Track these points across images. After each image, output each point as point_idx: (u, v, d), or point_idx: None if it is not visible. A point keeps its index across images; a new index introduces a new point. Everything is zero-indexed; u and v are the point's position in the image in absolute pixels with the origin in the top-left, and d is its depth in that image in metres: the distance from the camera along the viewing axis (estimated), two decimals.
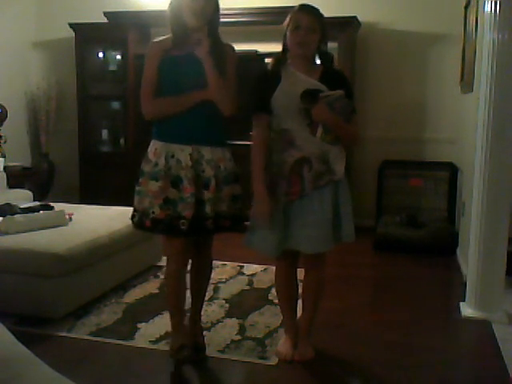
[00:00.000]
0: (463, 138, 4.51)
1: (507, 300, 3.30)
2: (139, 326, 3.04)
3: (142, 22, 5.34)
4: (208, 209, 2.42)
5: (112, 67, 5.65)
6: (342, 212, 2.49)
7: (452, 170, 4.92)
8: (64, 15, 5.72)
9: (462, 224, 4.29)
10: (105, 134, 5.69)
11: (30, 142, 6.02)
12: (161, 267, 3.87)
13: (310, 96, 2.37)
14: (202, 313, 2.79)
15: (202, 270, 2.70)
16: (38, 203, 4.04)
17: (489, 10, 3.10)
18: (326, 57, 2.53)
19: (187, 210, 2.38)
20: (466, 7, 4.60)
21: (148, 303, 3.38)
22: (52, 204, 3.90)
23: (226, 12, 4.72)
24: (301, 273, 2.69)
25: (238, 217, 2.56)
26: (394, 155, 5.21)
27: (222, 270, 4.00)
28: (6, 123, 5.32)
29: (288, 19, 2.43)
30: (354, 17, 4.86)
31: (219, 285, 3.69)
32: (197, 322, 2.73)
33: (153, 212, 2.40)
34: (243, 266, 4.09)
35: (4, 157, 5.10)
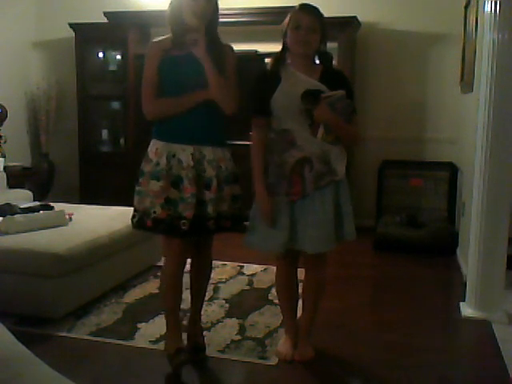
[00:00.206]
0: (463, 138, 4.51)
1: (507, 300, 3.30)
2: (139, 325, 3.04)
3: (141, 22, 5.34)
4: (210, 209, 2.42)
5: (112, 67, 5.65)
6: (344, 212, 2.49)
7: (452, 170, 4.92)
8: (64, 15, 5.72)
9: (462, 224, 4.29)
10: (105, 134, 5.69)
11: (29, 142, 6.02)
12: (161, 267, 3.86)
13: (310, 96, 2.36)
14: (202, 313, 2.79)
15: (202, 270, 2.70)
16: (37, 203, 4.04)
17: (489, 9, 3.10)
18: (326, 57, 2.53)
19: (188, 211, 2.38)
20: (466, 7, 4.60)
21: (148, 303, 3.38)
22: (52, 204, 3.90)
23: (225, 12, 4.73)
24: (301, 273, 2.69)
25: (238, 217, 2.56)
26: (394, 155, 5.21)
27: (221, 269, 4.00)
28: (5, 123, 5.32)
29: (288, 18, 2.43)
30: (354, 17, 4.86)
31: (219, 285, 3.69)
32: (197, 321, 2.73)
33: (154, 212, 2.40)
34: (243, 266, 4.09)
35: (4, 157, 5.10)
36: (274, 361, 2.66)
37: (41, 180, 5.73)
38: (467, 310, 3.27)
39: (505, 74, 3.05)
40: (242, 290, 3.62)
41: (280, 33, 2.47)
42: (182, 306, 2.66)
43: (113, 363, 2.68)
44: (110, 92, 5.65)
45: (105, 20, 5.49)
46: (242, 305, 3.37)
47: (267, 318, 3.16)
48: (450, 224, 4.81)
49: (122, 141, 5.62)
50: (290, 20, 2.42)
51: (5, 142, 5.22)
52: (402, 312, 3.33)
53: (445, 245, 4.51)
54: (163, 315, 2.70)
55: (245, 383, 2.59)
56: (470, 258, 3.31)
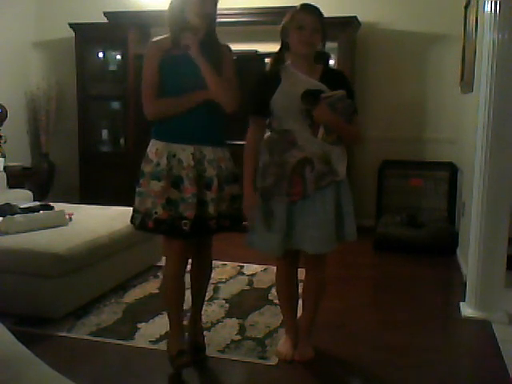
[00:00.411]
0: (463, 138, 4.51)
1: (507, 300, 3.30)
2: (139, 325, 3.04)
3: (142, 22, 5.34)
4: (211, 209, 2.42)
5: (112, 67, 5.65)
6: (345, 212, 2.49)
7: (452, 170, 4.93)
8: (64, 15, 5.72)
9: (462, 224, 4.29)
10: (105, 133, 5.69)
11: (30, 142, 6.02)
12: (161, 267, 3.87)
13: (311, 96, 2.36)
14: (202, 313, 2.79)
15: (202, 270, 2.70)
16: (38, 203, 4.05)
17: (489, 9, 3.10)
18: (323, 56, 2.52)
19: (189, 211, 2.38)
20: (466, 7, 4.61)
21: (148, 303, 3.38)
22: (52, 204, 3.90)
23: (226, 12, 4.74)
24: (301, 273, 2.69)
25: (237, 216, 2.56)
26: (394, 155, 5.21)
27: (222, 269, 4.00)
28: (5, 123, 5.32)
29: (289, 18, 2.41)
30: (354, 17, 4.86)
31: (219, 285, 3.69)
32: (197, 321, 2.73)
33: (155, 212, 2.39)
34: (243, 266, 4.09)
35: (4, 157, 5.10)
36: (274, 361, 2.66)
37: (41, 180, 5.73)
38: (467, 309, 3.27)
39: (505, 74, 3.05)
40: (242, 290, 3.62)
41: (279, 32, 2.46)
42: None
43: (113, 363, 2.68)
44: (109, 92, 5.64)
45: (105, 20, 5.49)
46: (242, 305, 3.37)
47: (267, 318, 3.16)
48: (450, 224, 4.81)
49: (122, 141, 5.62)
50: (291, 20, 2.40)
51: (5, 142, 5.22)
52: (402, 312, 3.33)
53: (445, 245, 4.51)
54: (164, 315, 2.71)
55: (245, 383, 2.59)
56: (470, 258, 3.31)
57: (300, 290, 2.76)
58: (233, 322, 3.10)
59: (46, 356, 1.88)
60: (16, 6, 5.78)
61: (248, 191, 2.48)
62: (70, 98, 5.78)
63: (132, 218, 2.52)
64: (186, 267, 2.56)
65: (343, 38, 4.82)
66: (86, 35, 5.49)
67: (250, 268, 4.05)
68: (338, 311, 3.30)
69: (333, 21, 3.77)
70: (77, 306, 3.21)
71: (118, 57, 5.60)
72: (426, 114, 5.23)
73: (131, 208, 2.53)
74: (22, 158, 5.71)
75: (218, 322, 3.10)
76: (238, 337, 2.91)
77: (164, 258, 2.59)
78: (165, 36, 2.46)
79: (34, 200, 4.61)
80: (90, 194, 5.42)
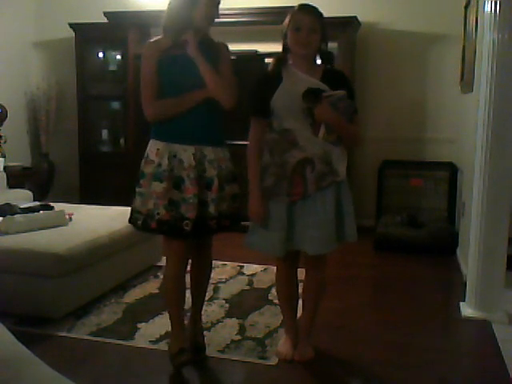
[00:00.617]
0: (463, 137, 4.51)
1: (507, 300, 3.30)
2: (139, 325, 3.04)
3: (142, 22, 5.34)
4: (212, 209, 2.42)
5: (112, 67, 5.66)
6: (345, 212, 2.49)
7: (452, 170, 4.93)
8: (64, 15, 5.72)
9: (462, 224, 4.29)
10: (105, 133, 5.69)
11: (30, 142, 6.02)
12: (161, 267, 3.87)
13: (312, 95, 2.36)
14: (202, 313, 2.79)
15: (202, 270, 2.70)
16: (37, 203, 4.04)
17: (489, 9, 3.10)
18: (328, 56, 2.53)
19: (190, 211, 2.38)
20: (466, 7, 4.61)
21: (148, 303, 3.38)
22: (52, 204, 3.90)
23: (226, 12, 4.73)
24: (301, 273, 2.69)
25: (237, 216, 2.57)
26: (393, 155, 5.21)
27: (222, 269, 4.00)
28: (6, 123, 5.32)
29: (288, 19, 2.42)
30: (354, 17, 4.86)
31: (219, 285, 3.69)
32: (197, 321, 2.73)
33: (158, 213, 2.39)
34: (243, 266, 4.09)
35: (4, 157, 5.10)
36: (274, 361, 2.66)
37: (41, 180, 5.73)
38: (467, 309, 3.27)
39: (505, 74, 3.05)
40: (242, 290, 3.62)
41: (280, 33, 2.47)
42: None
43: (113, 363, 2.68)
44: (109, 92, 5.64)
45: (105, 20, 5.49)
46: (242, 305, 3.37)
47: (267, 318, 3.16)
48: (450, 224, 4.81)
49: (122, 141, 5.62)
50: (290, 21, 2.41)
51: (5, 142, 5.22)
52: (402, 312, 3.33)
53: (445, 245, 4.51)
54: (164, 315, 2.71)
55: (245, 383, 2.59)
56: (470, 258, 3.31)
57: (300, 290, 2.76)
58: (233, 322, 3.10)
59: (46, 356, 1.89)
60: (16, 5, 5.78)
61: (255, 195, 2.47)
62: (70, 97, 5.78)
63: (131, 218, 2.52)
64: (186, 267, 2.57)
65: (343, 38, 4.81)
66: (86, 35, 5.49)
67: (250, 268, 4.05)
68: (338, 311, 3.30)
69: (333, 21, 3.77)
70: (77, 306, 3.21)
71: (118, 57, 5.61)
72: (426, 113, 5.23)
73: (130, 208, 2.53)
74: (22, 158, 5.71)
75: (218, 321, 3.10)
76: (238, 337, 2.91)
77: (164, 258, 2.59)
78: (161, 36, 2.46)
79: (34, 200, 4.61)
80: (90, 194, 5.42)
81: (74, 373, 2.27)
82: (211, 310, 3.25)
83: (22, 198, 4.48)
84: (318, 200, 2.44)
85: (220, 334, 2.95)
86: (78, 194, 5.58)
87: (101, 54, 5.69)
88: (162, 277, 2.75)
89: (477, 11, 3.87)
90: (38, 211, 3.61)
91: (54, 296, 3.06)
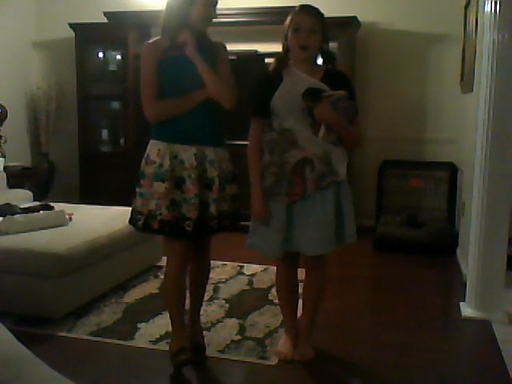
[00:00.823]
0: (463, 137, 4.51)
1: (507, 300, 3.30)
2: (139, 326, 3.04)
3: (141, 22, 5.34)
4: (213, 209, 2.42)
5: (112, 67, 5.65)
6: (345, 212, 2.49)
7: (452, 170, 4.93)
8: (64, 15, 5.72)
9: (462, 224, 4.29)
10: (105, 133, 5.69)
11: (30, 142, 6.02)
12: (161, 267, 3.87)
13: (312, 95, 2.36)
14: (202, 313, 2.79)
15: (200, 270, 2.69)
16: (37, 203, 4.05)
17: (489, 9, 3.10)
18: (329, 56, 2.53)
19: (192, 212, 2.38)
20: (466, 7, 4.60)
21: (148, 303, 3.38)
22: (52, 204, 3.90)
23: (226, 12, 4.73)
24: (301, 273, 2.69)
25: (237, 216, 2.57)
26: (394, 155, 5.21)
27: (222, 269, 4.00)
28: (6, 123, 5.32)
29: (289, 20, 2.42)
30: (354, 17, 4.86)
31: (219, 285, 3.69)
32: (196, 321, 2.73)
33: (160, 214, 2.39)
34: (243, 266, 4.09)
35: (4, 157, 5.09)
36: (274, 361, 2.66)
37: (41, 180, 5.72)
38: (467, 309, 3.27)
39: (505, 74, 3.05)
40: (242, 290, 3.62)
41: (281, 33, 2.47)
42: None
43: (113, 363, 2.68)
44: (109, 92, 5.64)
45: (105, 20, 5.49)
46: (242, 305, 3.37)
47: (267, 318, 3.16)
48: (450, 224, 4.81)
49: (122, 141, 5.62)
50: (290, 22, 2.41)
51: (5, 142, 5.22)
52: (402, 312, 3.33)
53: (445, 245, 4.50)
54: (164, 315, 2.70)
55: (245, 383, 2.59)
56: (470, 258, 3.31)
57: (300, 290, 2.76)
58: (233, 322, 3.10)
59: (46, 356, 1.89)
60: (16, 5, 5.78)
61: (257, 194, 2.47)
62: (69, 97, 5.78)
63: (131, 218, 2.51)
64: (187, 267, 2.57)
65: (343, 38, 4.81)
66: (86, 35, 5.49)
67: (250, 268, 4.05)
68: (337, 311, 3.30)
69: (333, 21, 3.76)
70: (77, 305, 3.21)
71: (118, 57, 5.60)
72: (426, 113, 5.23)
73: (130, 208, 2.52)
74: (22, 158, 5.71)
75: (218, 321, 3.10)
76: (238, 337, 2.91)
77: (164, 258, 2.59)
78: (159, 37, 2.46)
79: (34, 200, 4.61)
80: (90, 194, 5.42)
81: (74, 373, 2.27)
82: (211, 310, 3.25)
83: (22, 197, 4.48)
84: (318, 200, 2.44)
85: (220, 334, 2.95)
86: (78, 194, 5.58)
87: (101, 54, 5.68)
88: (162, 277, 2.76)
89: (477, 11, 3.87)
90: (38, 211, 3.61)
91: (54, 296, 3.06)
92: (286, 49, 2.47)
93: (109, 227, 3.53)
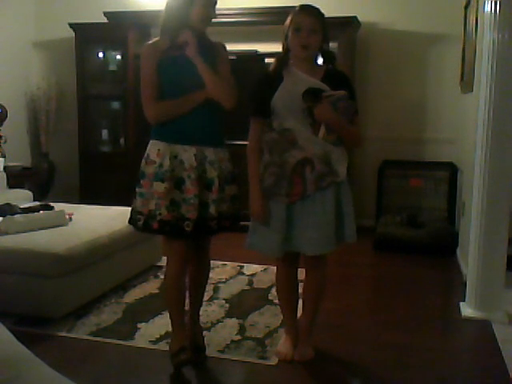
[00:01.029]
0: (463, 137, 4.51)
1: (507, 300, 3.30)
2: (139, 326, 3.04)
3: (141, 22, 5.34)
4: (212, 209, 2.42)
5: (112, 67, 5.65)
6: (345, 213, 2.49)
7: (452, 170, 4.93)
8: (64, 15, 5.72)
9: (462, 224, 4.29)
10: (105, 133, 5.69)
11: (30, 142, 6.02)
12: (161, 267, 3.87)
13: (312, 95, 2.36)
14: (202, 313, 2.79)
15: (200, 271, 2.69)
16: (37, 203, 4.05)
17: (489, 9, 3.10)
18: (330, 56, 2.53)
19: (191, 212, 2.38)
20: (466, 7, 4.61)
21: (148, 303, 3.38)
22: (52, 204, 3.90)
23: (225, 12, 4.73)
24: (301, 273, 2.69)
25: (237, 216, 2.57)
26: (394, 155, 5.21)
27: (222, 269, 4.00)
28: (6, 123, 5.32)
29: (289, 20, 2.42)
30: (354, 17, 4.86)
31: (219, 285, 3.69)
32: (196, 322, 2.73)
33: (159, 214, 2.39)
34: (243, 266, 4.09)
35: (4, 157, 5.09)
36: (274, 361, 2.66)
37: (41, 180, 5.72)
38: (467, 309, 3.27)
39: (505, 74, 3.05)
40: (242, 290, 3.62)
41: (281, 33, 2.47)
42: None
43: (113, 363, 2.68)
44: (109, 92, 5.65)
45: (105, 20, 5.49)
46: (242, 305, 3.37)
47: (267, 318, 3.16)
48: (450, 224, 4.81)
49: (121, 141, 5.62)
50: (290, 21, 2.41)
51: (5, 142, 5.22)
52: (402, 312, 3.33)
53: (445, 245, 4.51)
54: (164, 315, 2.70)
55: (245, 383, 2.59)
56: (470, 258, 3.31)
57: (300, 290, 2.76)
58: (233, 322, 3.10)
59: (46, 356, 1.89)
60: (16, 5, 5.78)
61: (255, 194, 2.47)
62: (69, 97, 5.78)
63: (131, 218, 2.51)
64: (187, 267, 2.57)
65: (343, 38, 4.81)
66: (86, 35, 5.49)
67: (250, 268, 4.05)
68: (338, 311, 3.30)
69: (333, 21, 3.75)
70: (77, 305, 3.21)
71: (118, 57, 5.60)
72: (426, 113, 5.23)
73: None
74: (22, 158, 5.71)
75: (218, 321, 3.10)
76: (238, 337, 2.91)
77: (164, 259, 2.59)
78: (158, 38, 2.46)
79: (34, 200, 4.61)
80: (90, 194, 5.42)
81: (74, 373, 2.27)
82: (211, 310, 3.25)
83: (22, 197, 4.48)
84: (318, 200, 2.44)
85: (220, 334, 2.95)
86: (78, 194, 5.58)
87: (101, 54, 5.69)
88: (162, 277, 2.76)
89: (477, 11, 3.87)
90: (38, 211, 3.61)
91: (53, 296, 3.06)
92: (286, 49, 2.47)
93: (109, 227, 3.53)
